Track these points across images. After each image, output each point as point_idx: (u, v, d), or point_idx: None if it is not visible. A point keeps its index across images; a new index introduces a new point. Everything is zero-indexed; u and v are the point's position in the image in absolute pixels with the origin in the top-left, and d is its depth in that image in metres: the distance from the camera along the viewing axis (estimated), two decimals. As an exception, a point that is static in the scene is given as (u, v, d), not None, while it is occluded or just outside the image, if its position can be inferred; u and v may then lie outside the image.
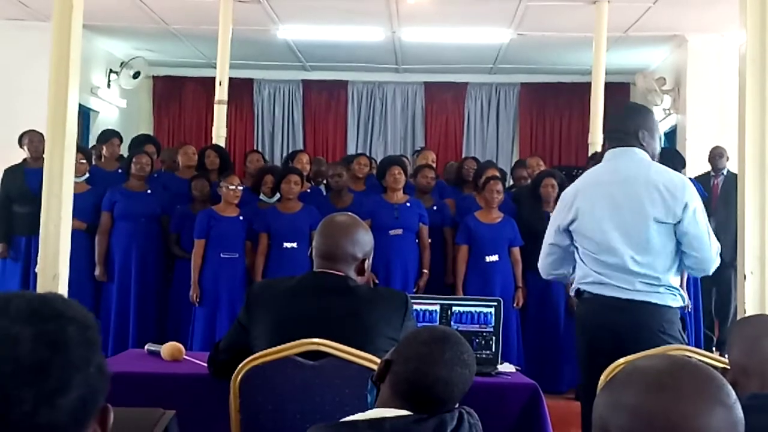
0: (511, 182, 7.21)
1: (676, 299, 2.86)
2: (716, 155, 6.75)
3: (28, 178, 5.72)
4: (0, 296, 0.97)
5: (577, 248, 2.97)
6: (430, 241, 5.69)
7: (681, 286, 2.99)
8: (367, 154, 8.65)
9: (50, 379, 0.90)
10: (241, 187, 5.54)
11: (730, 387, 1.04)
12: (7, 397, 0.88)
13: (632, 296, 2.80)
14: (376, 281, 5.36)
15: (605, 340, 2.76)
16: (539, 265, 3.15)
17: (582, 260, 2.94)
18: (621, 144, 2.94)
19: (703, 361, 1.95)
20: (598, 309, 2.88)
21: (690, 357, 2.33)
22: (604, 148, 3.16)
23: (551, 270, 3.11)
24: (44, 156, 3.81)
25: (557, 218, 3.03)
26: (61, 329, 0.94)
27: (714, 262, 2.87)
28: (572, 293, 3.05)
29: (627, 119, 2.97)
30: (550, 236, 3.05)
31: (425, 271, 5.61)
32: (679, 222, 2.78)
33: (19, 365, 0.89)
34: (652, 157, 2.95)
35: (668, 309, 2.83)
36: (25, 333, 0.91)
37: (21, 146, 5.97)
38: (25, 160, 5.97)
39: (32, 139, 5.86)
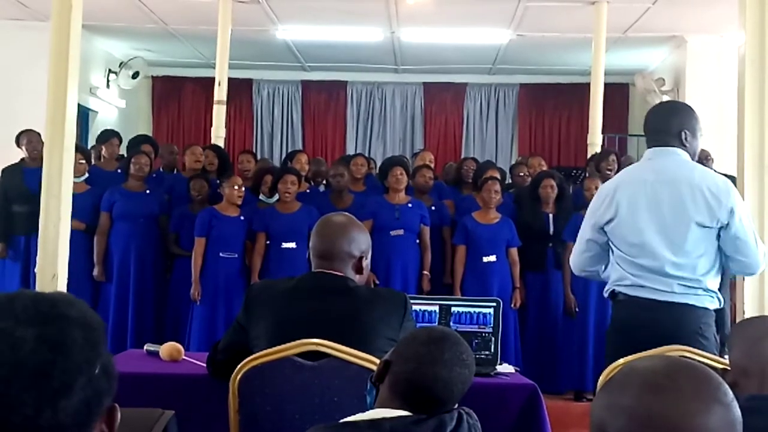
0: (509, 181, 7.18)
1: (714, 302, 2.81)
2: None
3: (26, 177, 5.71)
4: (4, 296, 0.95)
5: (612, 250, 2.91)
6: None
7: None
8: (366, 154, 8.64)
9: (52, 382, 0.89)
10: (243, 188, 5.56)
11: (726, 386, 1.04)
12: (8, 399, 0.87)
13: (670, 298, 2.76)
14: (377, 282, 5.36)
15: (642, 342, 2.63)
16: (572, 260, 3.08)
17: (618, 263, 2.88)
18: (662, 144, 2.87)
19: (702, 362, 1.95)
20: (634, 311, 2.82)
21: (689, 358, 2.33)
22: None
23: (586, 266, 3.03)
24: (43, 156, 3.80)
25: (595, 214, 2.94)
26: (64, 331, 0.92)
27: (760, 266, 2.84)
28: (606, 294, 2.99)
29: (670, 119, 2.90)
30: (587, 232, 2.97)
31: (425, 272, 5.60)
32: (724, 227, 2.74)
33: (21, 367, 0.88)
34: (693, 156, 2.89)
35: (705, 311, 2.79)
36: (28, 334, 0.90)
37: (19, 146, 5.95)
38: (23, 159, 5.96)
39: (31, 139, 5.85)
